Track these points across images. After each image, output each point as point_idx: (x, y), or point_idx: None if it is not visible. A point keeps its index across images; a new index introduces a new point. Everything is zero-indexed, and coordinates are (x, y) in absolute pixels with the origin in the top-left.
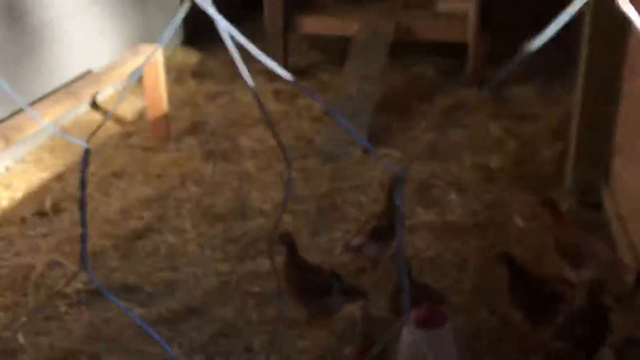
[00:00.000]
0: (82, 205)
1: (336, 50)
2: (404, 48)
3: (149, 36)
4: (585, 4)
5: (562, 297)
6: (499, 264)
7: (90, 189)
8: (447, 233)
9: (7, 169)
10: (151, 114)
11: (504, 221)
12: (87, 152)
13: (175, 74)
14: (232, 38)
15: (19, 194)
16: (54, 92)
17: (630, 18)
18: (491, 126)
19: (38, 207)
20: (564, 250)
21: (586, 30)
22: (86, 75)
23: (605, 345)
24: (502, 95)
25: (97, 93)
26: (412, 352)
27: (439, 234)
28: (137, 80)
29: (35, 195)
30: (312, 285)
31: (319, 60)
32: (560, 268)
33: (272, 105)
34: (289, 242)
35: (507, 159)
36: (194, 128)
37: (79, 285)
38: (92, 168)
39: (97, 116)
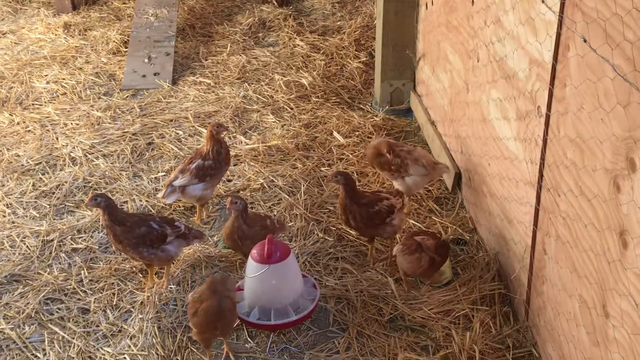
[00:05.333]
0: None
1: None
2: None
3: None
4: None
5: (392, 210)
6: (332, 184)
7: None
8: (273, 158)
9: None
10: None
11: (324, 139)
12: None
13: None
14: None
15: None
16: None
17: None
18: (297, 43)
19: None
20: (387, 162)
21: None
22: None
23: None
24: (302, 10)
25: None
26: (258, 285)
27: (265, 160)
28: None
29: None
30: (143, 237)
31: None
32: (385, 178)
33: (64, 40)
34: (103, 202)
35: (317, 75)
36: None
37: None
38: None
39: None
